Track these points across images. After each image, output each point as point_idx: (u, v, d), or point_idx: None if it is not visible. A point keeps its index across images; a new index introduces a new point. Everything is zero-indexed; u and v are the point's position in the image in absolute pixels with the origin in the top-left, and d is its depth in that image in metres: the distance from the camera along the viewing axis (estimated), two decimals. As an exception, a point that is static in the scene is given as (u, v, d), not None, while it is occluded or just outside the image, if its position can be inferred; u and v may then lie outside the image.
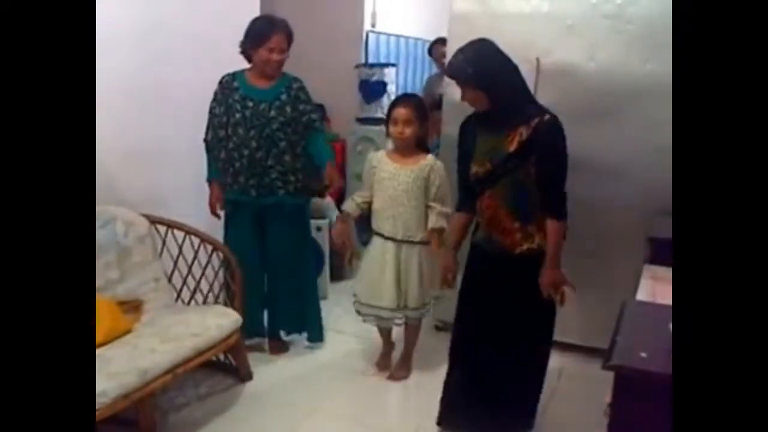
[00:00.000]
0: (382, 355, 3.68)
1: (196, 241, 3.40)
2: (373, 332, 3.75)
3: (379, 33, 6.23)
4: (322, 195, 4.68)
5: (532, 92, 2.79)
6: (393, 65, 5.81)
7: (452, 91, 2.78)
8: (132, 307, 3.10)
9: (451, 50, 3.49)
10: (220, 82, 3.47)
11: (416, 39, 6.88)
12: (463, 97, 2.70)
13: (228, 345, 3.11)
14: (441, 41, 5.04)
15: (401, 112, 3.24)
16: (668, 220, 1.71)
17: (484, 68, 2.57)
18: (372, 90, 5.51)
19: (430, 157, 3.32)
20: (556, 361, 3.03)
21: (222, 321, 3.06)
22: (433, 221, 3.25)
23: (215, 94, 3.48)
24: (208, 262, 3.42)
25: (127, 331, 2.89)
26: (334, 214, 4.79)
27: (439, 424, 3.00)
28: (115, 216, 3.26)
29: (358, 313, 3.52)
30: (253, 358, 3.55)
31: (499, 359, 2.81)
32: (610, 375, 1.71)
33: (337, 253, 4.73)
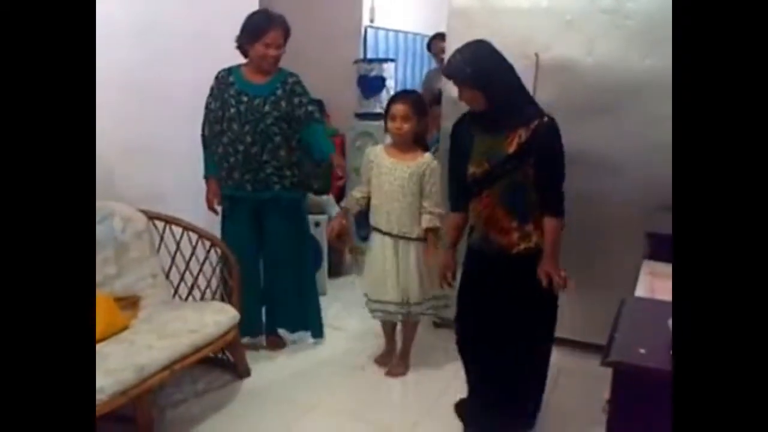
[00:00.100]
0: (384, 352, 3.68)
1: (194, 236, 3.39)
2: (372, 327, 3.75)
3: (378, 28, 6.22)
4: (322, 193, 4.67)
5: (530, 89, 2.79)
6: (392, 60, 5.80)
7: (451, 86, 2.78)
8: (129, 303, 3.10)
9: (449, 45, 3.51)
10: (216, 77, 3.46)
11: (415, 34, 6.87)
12: (460, 97, 2.71)
13: (226, 341, 3.10)
14: (440, 36, 5.04)
15: (399, 108, 3.25)
16: (667, 215, 1.71)
17: (482, 68, 2.59)
18: (371, 85, 5.50)
19: (427, 155, 3.33)
20: (554, 357, 3.02)
21: (219, 317, 3.06)
22: (426, 221, 3.26)
23: (211, 89, 3.47)
24: (205, 258, 3.41)
25: (124, 328, 2.88)
26: (334, 209, 4.79)
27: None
28: (113, 211, 3.25)
29: (370, 310, 3.53)
30: (250, 355, 3.54)
31: (498, 359, 2.81)
32: (608, 371, 1.70)
33: (335, 249, 4.74)
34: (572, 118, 2.72)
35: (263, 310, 3.76)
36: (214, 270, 3.43)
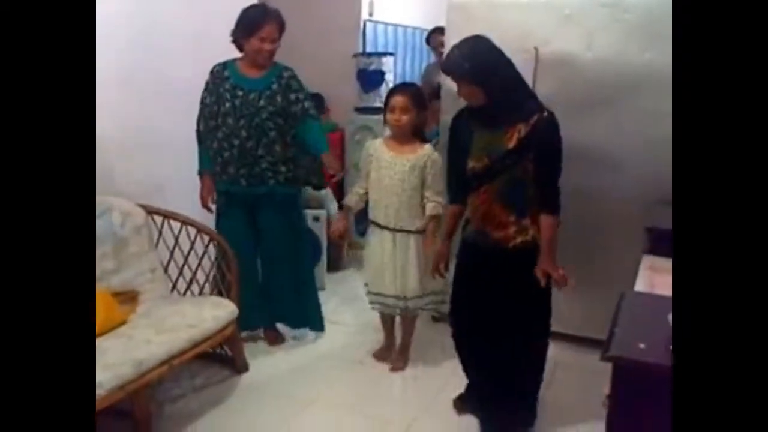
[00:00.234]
0: (382, 347, 3.68)
1: (192, 231, 3.39)
2: (371, 322, 3.75)
3: (377, 22, 6.20)
4: (319, 188, 4.67)
5: (529, 84, 2.77)
6: (391, 54, 5.81)
7: (451, 80, 2.77)
8: (128, 298, 3.09)
9: (448, 39, 3.50)
10: (212, 72, 3.45)
11: (414, 28, 6.86)
12: (459, 93, 2.71)
13: (224, 336, 3.10)
14: (439, 30, 5.02)
15: (398, 99, 3.24)
16: (666, 210, 1.70)
17: (480, 63, 2.58)
18: (370, 79, 5.50)
19: (427, 147, 3.32)
20: (554, 352, 3.03)
21: (218, 312, 3.05)
22: (431, 208, 3.25)
23: (206, 83, 3.45)
24: (204, 253, 3.40)
25: (123, 323, 2.88)
26: (333, 204, 4.79)
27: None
28: (112, 206, 3.24)
29: (369, 302, 3.54)
30: (249, 349, 3.54)
31: (494, 352, 2.82)
32: (608, 366, 1.70)
33: (334, 243, 4.73)
34: (571, 113, 2.72)
35: (262, 304, 3.75)
36: (212, 265, 3.43)
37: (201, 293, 3.44)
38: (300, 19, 3.64)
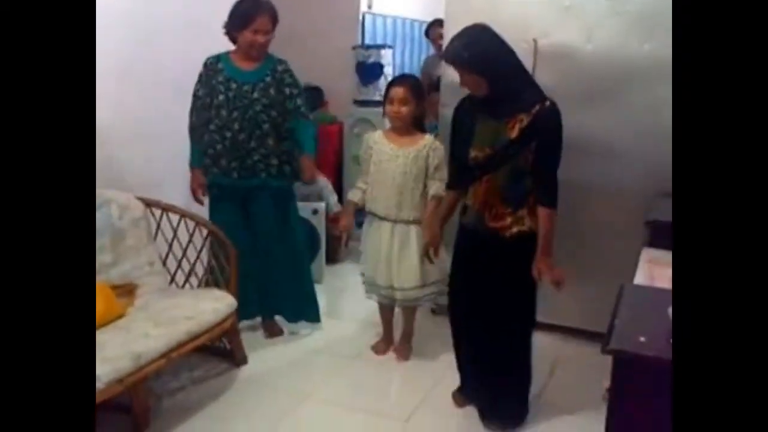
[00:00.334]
0: (380, 340, 3.68)
1: (191, 224, 3.38)
2: (369, 316, 3.74)
3: (376, 14, 6.19)
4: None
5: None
6: (390, 47, 5.80)
7: (450, 72, 2.76)
8: (126, 291, 3.08)
9: (448, 31, 3.49)
10: (205, 64, 3.43)
11: (413, 20, 6.84)
12: (461, 82, 2.70)
13: (223, 329, 3.09)
14: (438, 22, 5.01)
15: (397, 90, 3.23)
16: (666, 202, 1.70)
17: (481, 52, 2.58)
18: (369, 72, 5.49)
19: (428, 137, 3.32)
20: (554, 345, 3.03)
21: (217, 305, 3.05)
22: (435, 188, 3.23)
23: (199, 76, 3.44)
24: (203, 246, 3.40)
25: (121, 316, 2.87)
26: (332, 196, 4.78)
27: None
28: (110, 199, 3.23)
29: (366, 291, 3.55)
30: (248, 342, 3.53)
31: (487, 337, 2.84)
32: (608, 359, 1.70)
33: (333, 236, 4.72)
34: (571, 105, 2.71)
35: (258, 296, 3.72)
36: (210, 257, 3.42)
37: (199, 286, 3.43)
38: (299, 11, 3.63)
